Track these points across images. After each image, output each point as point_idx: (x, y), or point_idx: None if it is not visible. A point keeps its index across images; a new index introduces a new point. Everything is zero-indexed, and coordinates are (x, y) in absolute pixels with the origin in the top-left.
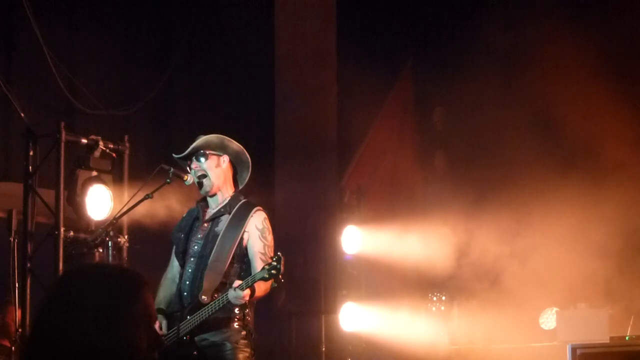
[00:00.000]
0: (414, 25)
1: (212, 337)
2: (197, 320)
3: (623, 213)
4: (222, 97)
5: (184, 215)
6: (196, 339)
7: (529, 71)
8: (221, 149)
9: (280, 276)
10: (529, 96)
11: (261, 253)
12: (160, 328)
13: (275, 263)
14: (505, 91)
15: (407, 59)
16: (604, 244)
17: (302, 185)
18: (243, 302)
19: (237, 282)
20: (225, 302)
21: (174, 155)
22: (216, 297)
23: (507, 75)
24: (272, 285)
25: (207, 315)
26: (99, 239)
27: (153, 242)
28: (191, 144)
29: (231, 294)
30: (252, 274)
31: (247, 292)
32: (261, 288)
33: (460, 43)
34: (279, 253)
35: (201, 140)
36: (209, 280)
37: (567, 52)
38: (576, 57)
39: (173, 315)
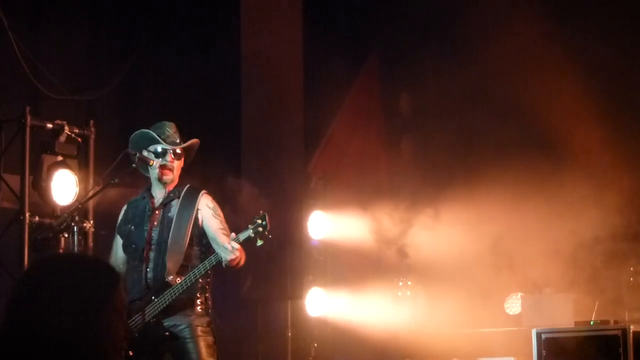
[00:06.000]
0: (379, 11)
1: (176, 320)
2: (165, 301)
3: (590, 200)
4: (188, 82)
5: (125, 207)
6: (162, 321)
7: (496, 58)
8: (190, 151)
9: (267, 232)
10: (494, 82)
11: (221, 228)
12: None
13: (260, 220)
14: (470, 77)
15: (373, 45)
16: (569, 229)
17: (268, 171)
18: (233, 257)
19: (233, 235)
20: (197, 276)
21: (163, 139)
22: (179, 280)
23: (473, 62)
24: (257, 243)
25: (176, 294)
26: (65, 224)
27: None
28: (166, 129)
29: (223, 247)
30: (237, 235)
31: (240, 248)
32: (242, 256)
33: (426, 29)
34: (261, 211)
35: (189, 144)
36: (172, 262)
37: (534, 38)
38: (544, 43)
39: (133, 303)
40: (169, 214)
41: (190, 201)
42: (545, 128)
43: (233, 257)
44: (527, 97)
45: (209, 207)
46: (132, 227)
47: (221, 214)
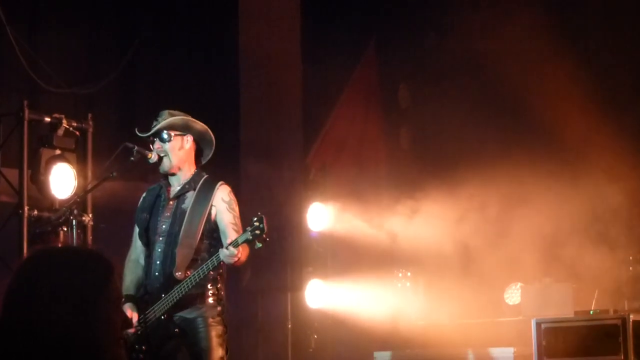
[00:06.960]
0: (377, 3)
1: (187, 314)
2: (174, 298)
3: (590, 189)
4: (187, 75)
5: (144, 195)
6: (173, 316)
7: (495, 49)
8: (185, 129)
9: (264, 235)
10: (493, 73)
11: (232, 224)
12: (132, 314)
13: (257, 223)
14: (469, 68)
15: (372, 36)
16: (569, 219)
17: (267, 163)
18: (234, 260)
19: (229, 240)
20: (201, 276)
21: (137, 132)
22: (189, 274)
23: (471, 54)
24: (256, 246)
25: (184, 292)
26: (63, 218)
27: (117, 221)
28: (155, 120)
29: (223, 252)
30: (235, 238)
31: (239, 250)
32: (244, 254)
33: (424, 20)
34: (259, 213)
35: (165, 122)
36: (181, 257)
37: (530, 33)
38: (540, 38)
39: (143, 298)
40: (183, 206)
41: (205, 195)
42: (546, 118)
43: (235, 259)
44: (527, 87)
45: (224, 201)
46: (147, 216)
47: (236, 208)
